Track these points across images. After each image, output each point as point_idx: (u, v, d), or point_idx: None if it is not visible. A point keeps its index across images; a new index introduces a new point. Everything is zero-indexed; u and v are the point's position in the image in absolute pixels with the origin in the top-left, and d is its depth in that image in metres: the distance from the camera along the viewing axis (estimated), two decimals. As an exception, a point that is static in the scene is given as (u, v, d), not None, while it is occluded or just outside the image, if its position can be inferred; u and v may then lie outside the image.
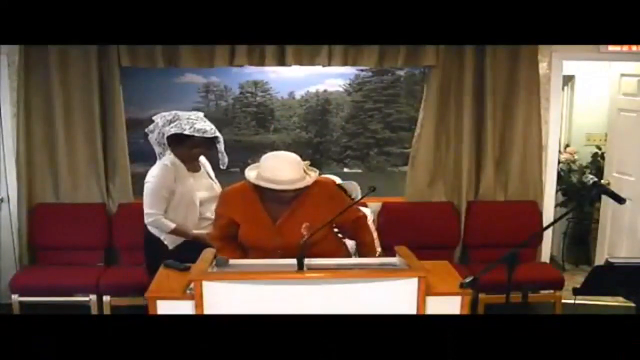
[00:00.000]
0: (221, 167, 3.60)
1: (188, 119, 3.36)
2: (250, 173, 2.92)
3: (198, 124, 3.35)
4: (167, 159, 3.46)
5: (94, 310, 4.20)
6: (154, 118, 3.50)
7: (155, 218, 3.43)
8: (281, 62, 4.41)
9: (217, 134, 3.44)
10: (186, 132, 3.30)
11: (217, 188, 3.60)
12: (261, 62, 4.41)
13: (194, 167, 3.52)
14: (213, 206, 3.53)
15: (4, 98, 4.42)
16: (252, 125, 4.92)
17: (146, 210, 3.46)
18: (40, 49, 4.32)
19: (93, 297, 4.19)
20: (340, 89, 4.90)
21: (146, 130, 3.53)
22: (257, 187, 2.90)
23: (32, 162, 4.50)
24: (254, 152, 4.97)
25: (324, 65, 4.45)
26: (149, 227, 3.50)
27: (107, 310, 4.20)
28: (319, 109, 4.92)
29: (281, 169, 2.85)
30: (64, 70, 4.37)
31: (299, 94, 4.90)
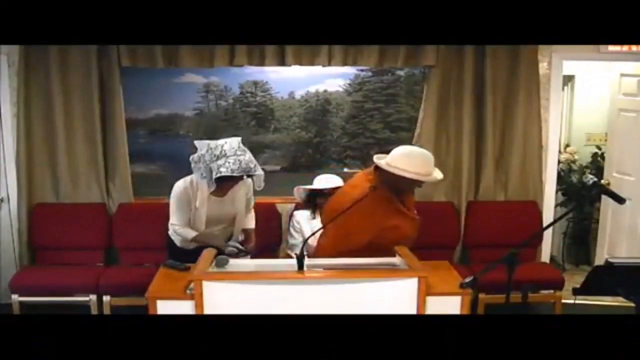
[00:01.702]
0: (257, 189, 3.59)
1: (235, 155, 3.28)
2: (386, 163, 3.07)
3: (243, 158, 3.29)
4: (195, 176, 3.45)
5: (94, 310, 4.20)
6: (197, 145, 3.41)
7: (175, 229, 3.49)
8: (281, 62, 4.40)
9: (259, 171, 3.40)
10: (235, 174, 3.27)
11: (235, 217, 3.58)
12: (261, 62, 4.41)
13: (220, 193, 3.48)
14: (215, 227, 3.54)
15: (4, 98, 4.42)
16: (252, 125, 4.92)
17: (170, 220, 3.52)
18: (40, 49, 4.32)
19: (93, 297, 4.19)
20: (340, 89, 4.89)
21: (190, 158, 3.43)
22: (384, 183, 3.07)
23: (32, 162, 4.49)
24: (254, 152, 4.96)
25: (324, 65, 4.45)
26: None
27: (107, 310, 4.20)
28: (319, 109, 4.92)
29: (429, 161, 3.09)
30: (64, 70, 4.37)
31: (299, 94, 4.89)
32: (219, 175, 3.24)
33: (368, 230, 3.06)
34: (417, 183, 3.08)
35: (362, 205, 2.94)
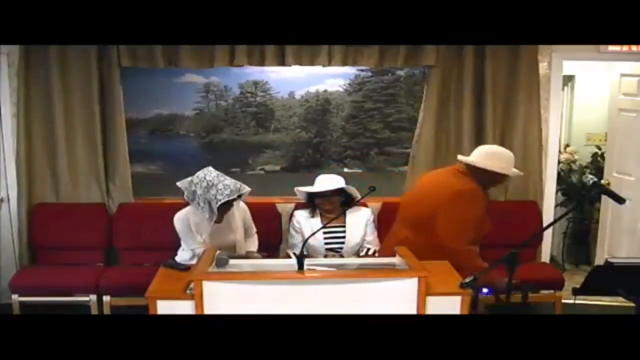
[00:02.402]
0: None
1: (220, 182, 3.38)
2: (477, 161, 3.22)
3: (228, 182, 3.40)
4: (190, 208, 3.53)
5: (94, 310, 4.19)
6: (182, 186, 3.51)
7: (197, 252, 3.50)
8: (281, 62, 4.40)
9: (246, 187, 3.51)
10: (231, 197, 3.38)
11: (235, 244, 3.63)
12: (261, 62, 4.41)
13: (218, 219, 3.51)
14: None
15: (4, 98, 4.42)
16: (252, 125, 4.93)
17: (187, 248, 3.58)
18: (40, 49, 4.32)
19: (93, 297, 4.18)
20: (340, 89, 4.90)
21: (185, 197, 3.51)
22: (476, 180, 3.23)
23: (32, 162, 4.49)
24: (254, 152, 4.98)
25: (324, 65, 4.44)
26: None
27: (107, 310, 4.20)
28: (319, 109, 4.92)
29: (513, 159, 3.32)
30: (64, 70, 4.37)
31: (299, 94, 4.90)
32: (219, 203, 3.35)
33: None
34: (505, 179, 3.33)
35: (479, 198, 3.20)
